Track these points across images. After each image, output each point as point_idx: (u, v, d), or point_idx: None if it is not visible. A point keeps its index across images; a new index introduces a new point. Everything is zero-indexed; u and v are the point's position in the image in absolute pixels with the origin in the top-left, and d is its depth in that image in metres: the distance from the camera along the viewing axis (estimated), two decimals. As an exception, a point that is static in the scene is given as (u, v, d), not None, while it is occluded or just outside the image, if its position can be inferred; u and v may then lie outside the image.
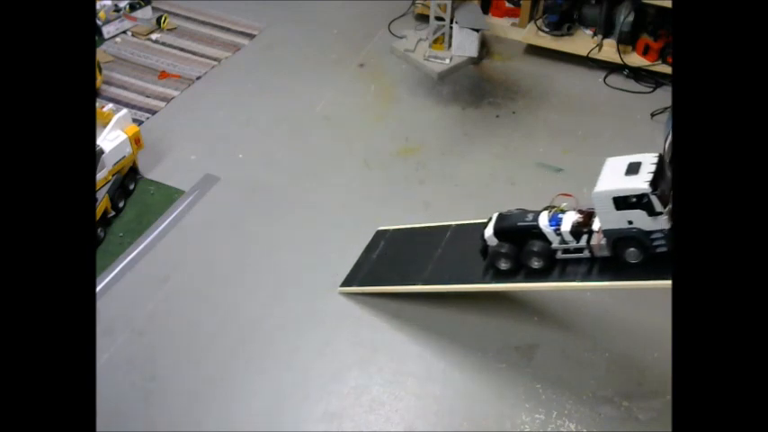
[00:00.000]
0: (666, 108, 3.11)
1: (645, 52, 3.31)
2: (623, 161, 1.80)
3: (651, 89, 3.28)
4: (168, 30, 3.65)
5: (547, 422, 1.96)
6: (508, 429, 1.95)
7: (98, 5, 3.57)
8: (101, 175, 2.50)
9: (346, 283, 2.33)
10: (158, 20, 3.66)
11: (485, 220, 2.29)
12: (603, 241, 1.82)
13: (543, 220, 1.90)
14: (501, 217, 2.00)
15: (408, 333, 2.20)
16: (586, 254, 1.87)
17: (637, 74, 3.34)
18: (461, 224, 2.33)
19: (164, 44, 3.56)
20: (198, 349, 2.14)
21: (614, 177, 1.76)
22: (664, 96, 3.22)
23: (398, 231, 2.46)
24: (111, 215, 2.55)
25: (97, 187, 2.48)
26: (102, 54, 3.44)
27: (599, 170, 2.79)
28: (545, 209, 1.93)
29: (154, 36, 3.61)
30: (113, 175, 2.57)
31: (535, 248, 1.90)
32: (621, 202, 1.73)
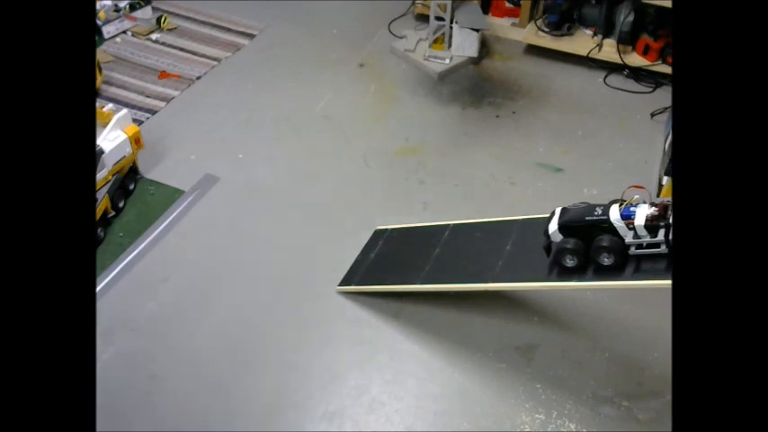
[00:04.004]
0: (666, 108, 3.11)
1: (645, 52, 3.32)
2: None
3: (651, 89, 3.28)
4: (168, 30, 3.65)
5: (547, 422, 1.97)
6: (508, 429, 1.95)
7: (98, 5, 3.57)
8: (101, 175, 2.50)
9: (344, 282, 2.33)
10: (158, 20, 3.66)
11: (484, 220, 2.30)
12: None
13: (614, 214, 1.78)
14: (565, 211, 1.88)
15: (408, 333, 2.20)
16: (664, 249, 1.75)
17: (637, 74, 3.34)
18: (459, 224, 2.33)
19: (164, 44, 3.56)
20: (198, 349, 2.15)
21: None
22: (664, 96, 3.22)
23: (397, 230, 2.46)
24: (111, 215, 2.55)
25: (97, 187, 2.48)
26: (102, 54, 3.44)
27: (599, 170, 2.81)
28: (614, 202, 1.82)
29: (154, 36, 3.61)
30: (113, 175, 2.57)
31: (604, 243, 1.79)
32: None
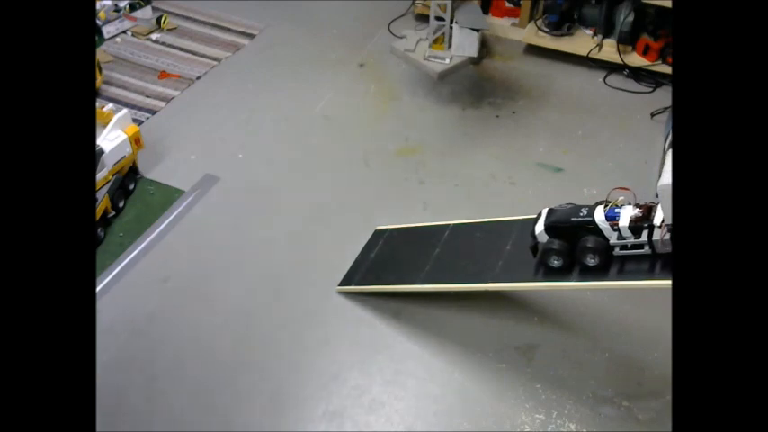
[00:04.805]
0: (666, 108, 3.11)
1: (645, 52, 3.32)
2: None
3: (651, 89, 3.28)
4: (168, 30, 3.65)
5: (547, 422, 1.97)
6: (508, 429, 1.95)
7: (98, 5, 3.57)
8: (101, 175, 2.50)
9: (344, 282, 2.33)
10: (158, 20, 3.66)
11: (484, 220, 2.30)
12: (668, 236, 1.69)
13: (599, 215, 1.80)
14: (552, 212, 1.90)
15: (408, 333, 2.20)
16: (647, 250, 1.76)
17: (637, 74, 3.34)
18: (459, 224, 2.33)
19: (164, 44, 3.56)
20: (198, 349, 2.14)
21: None
22: (664, 96, 3.23)
23: (397, 230, 2.46)
24: (111, 215, 2.55)
25: (97, 187, 2.48)
26: (102, 54, 3.44)
27: (599, 170, 2.81)
28: (599, 203, 1.84)
29: (154, 36, 3.61)
30: (113, 175, 2.57)
31: (589, 244, 1.80)
32: None
